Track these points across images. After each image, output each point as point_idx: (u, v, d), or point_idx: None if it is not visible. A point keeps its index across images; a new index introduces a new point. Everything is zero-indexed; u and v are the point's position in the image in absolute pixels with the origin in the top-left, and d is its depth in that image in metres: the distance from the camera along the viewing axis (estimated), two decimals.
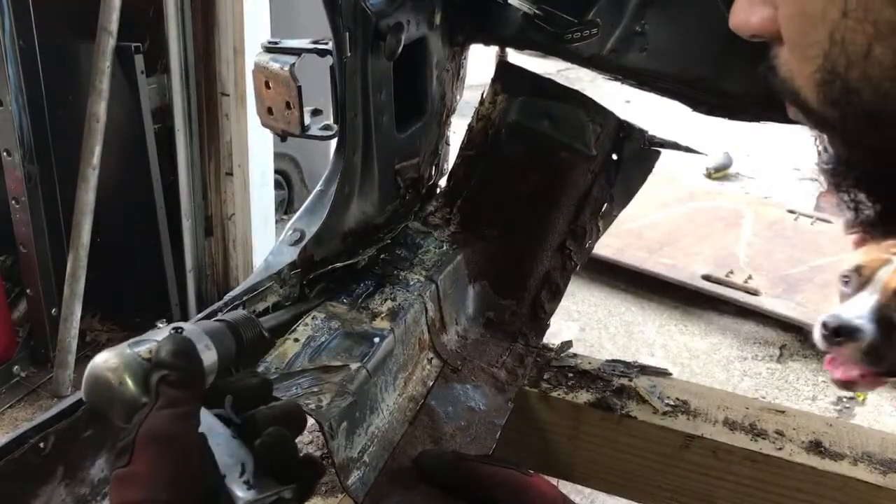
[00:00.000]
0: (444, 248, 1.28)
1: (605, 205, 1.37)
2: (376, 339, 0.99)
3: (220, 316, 0.73)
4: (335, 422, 0.85)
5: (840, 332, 1.18)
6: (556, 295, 1.37)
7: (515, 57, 1.43)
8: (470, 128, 1.37)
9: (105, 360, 0.65)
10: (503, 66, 1.36)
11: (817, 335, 1.22)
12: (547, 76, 1.38)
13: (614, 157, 1.35)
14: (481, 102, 1.36)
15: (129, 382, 0.64)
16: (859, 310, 1.20)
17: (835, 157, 0.54)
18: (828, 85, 0.47)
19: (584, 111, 1.32)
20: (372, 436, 0.94)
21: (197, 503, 0.62)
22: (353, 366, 0.93)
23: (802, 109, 0.51)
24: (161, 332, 0.67)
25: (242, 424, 0.65)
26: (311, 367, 0.92)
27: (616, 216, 1.40)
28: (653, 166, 1.37)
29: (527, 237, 1.35)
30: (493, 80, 1.35)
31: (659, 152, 1.36)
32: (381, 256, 1.20)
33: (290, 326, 0.99)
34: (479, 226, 1.34)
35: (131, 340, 0.66)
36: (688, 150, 1.38)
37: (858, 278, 1.25)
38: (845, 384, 1.24)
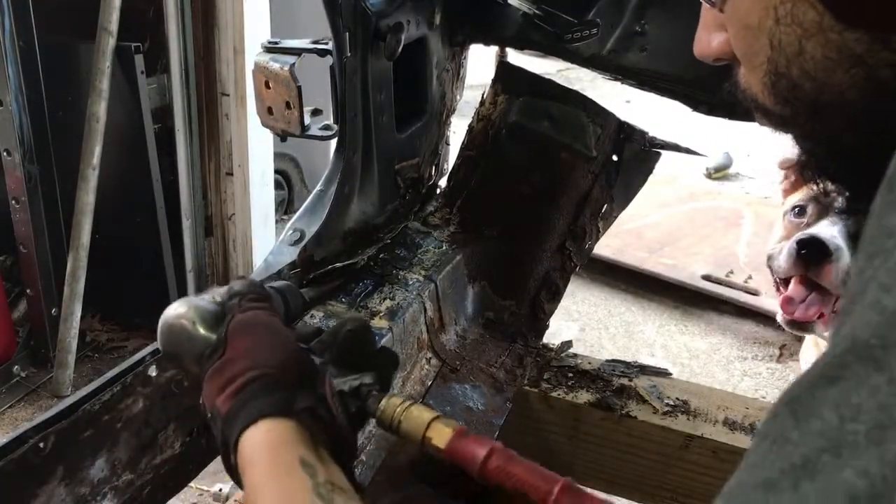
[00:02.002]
0: (444, 248, 1.28)
1: (605, 206, 1.37)
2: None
3: (266, 285, 0.79)
4: None
5: (823, 252, 1.09)
6: (556, 295, 1.37)
7: (515, 57, 1.43)
8: (470, 128, 1.37)
9: (176, 309, 0.74)
10: (503, 67, 1.36)
11: (785, 260, 1.13)
12: (547, 77, 1.38)
13: (615, 158, 1.35)
14: (482, 103, 1.36)
15: (201, 327, 0.72)
16: (834, 231, 1.12)
17: (801, 153, 0.62)
18: (775, 86, 0.54)
19: (585, 112, 1.32)
20: (369, 435, 0.94)
21: (294, 372, 0.67)
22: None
23: (763, 113, 0.59)
24: (217, 290, 0.76)
25: (311, 350, 0.72)
26: None
27: (616, 217, 1.41)
28: (653, 168, 1.38)
29: (526, 238, 1.35)
30: (494, 81, 1.35)
31: (659, 154, 1.36)
32: (381, 256, 1.20)
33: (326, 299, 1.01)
34: (478, 226, 1.34)
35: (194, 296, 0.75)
36: (688, 151, 1.38)
37: (817, 206, 1.18)
38: (801, 325, 1.16)
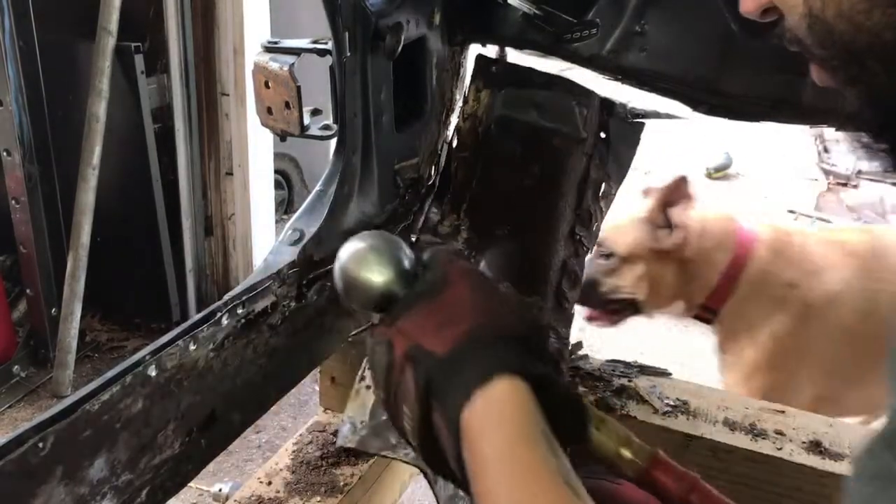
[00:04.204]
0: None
1: (604, 184, 1.36)
2: None
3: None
4: None
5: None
6: (576, 282, 1.34)
7: (515, 57, 1.42)
8: (458, 129, 1.35)
9: (381, 234, 0.74)
10: (482, 61, 1.34)
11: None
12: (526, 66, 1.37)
13: (602, 135, 1.34)
14: (465, 101, 1.34)
15: (405, 259, 0.71)
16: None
17: (851, 104, 0.59)
18: (814, 28, 0.54)
19: (569, 95, 1.31)
20: None
21: (523, 332, 0.63)
22: None
23: (809, 56, 0.57)
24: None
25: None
26: None
27: (615, 194, 1.39)
28: (639, 138, 1.36)
29: (537, 230, 1.33)
30: (473, 76, 1.34)
31: (643, 124, 1.35)
32: None
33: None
34: (490, 227, 1.32)
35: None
36: (668, 116, 1.37)
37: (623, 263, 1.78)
38: (590, 319, 1.87)
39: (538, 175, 1.33)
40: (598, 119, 1.32)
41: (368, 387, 0.97)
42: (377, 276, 0.70)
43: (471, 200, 1.34)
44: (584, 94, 1.31)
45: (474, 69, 1.34)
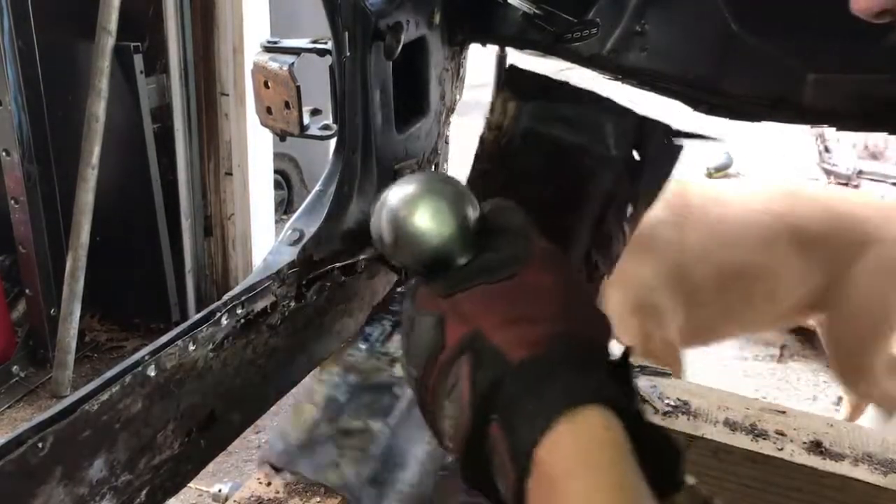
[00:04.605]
0: None
1: (630, 207, 1.28)
2: (397, 390, 0.94)
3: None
4: (362, 492, 0.84)
5: None
6: None
7: (515, 57, 1.42)
8: (482, 140, 1.28)
9: (448, 180, 0.63)
10: (510, 71, 1.28)
11: None
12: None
13: (636, 156, 1.26)
14: (491, 111, 1.27)
15: (471, 212, 0.59)
16: None
17: None
18: None
19: (601, 110, 1.25)
20: (401, 494, 0.90)
21: (606, 345, 0.52)
22: (375, 425, 0.90)
23: None
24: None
25: None
26: (332, 433, 0.89)
27: (641, 219, 1.29)
28: (676, 161, 1.28)
29: None
30: (501, 87, 1.27)
31: (681, 147, 1.26)
32: (399, 289, 1.16)
33: None
34: None
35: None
36: (709, 138, 1.31)
37: None
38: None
39: (557, 193, 1.25)
40: (632, 138, 1.25)
41: (315, 403, 0.95)
42: (436, 228, 0.57)
43: None
44: (619, 111, 1.24)
45: (505, 79, 1.27)
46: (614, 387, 0.48)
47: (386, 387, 0.96)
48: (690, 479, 0.52)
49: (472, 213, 0.59)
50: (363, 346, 1.04)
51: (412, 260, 0.60)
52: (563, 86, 1.26)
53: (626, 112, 1.25)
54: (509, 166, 1.28)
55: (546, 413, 0.45)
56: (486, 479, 0.49)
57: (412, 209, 0.59)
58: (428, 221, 0.58)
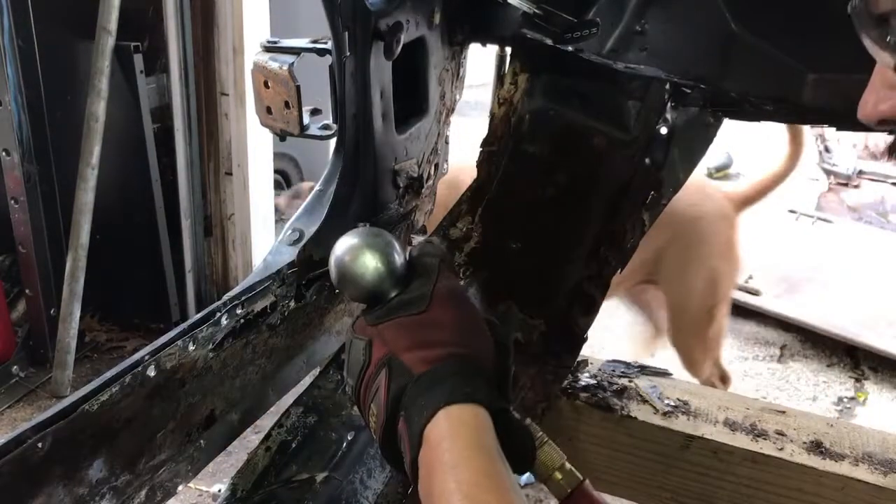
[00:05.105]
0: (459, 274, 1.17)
1: (652, 193, 1.14)
2: (349, 435, 0.96)
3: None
4: None
5: None
6: (591, 308, 1.18)
7: None
8: (491, 115, 1.20)
9: (380, 233, 0.80)
10: (521, 41, 1.17)
11: None
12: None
13: (663, 131, 1.11)
14: (501, 84, 1.20)
15: (397, 259, 0.77)
16: None
17: None
18: None
19: (620, 84, 1.12)
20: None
21: (490, 365, 0.69)
22: (319, 476, 0.90)
23: None
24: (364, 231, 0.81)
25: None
26: (276, 486, 0.89)
27: (666, 204, 1.16)
28: (712, 138, 1.13)
29: (554, 247, 1.19)
30: (512, 57, 1.18)
31: (721, 121, 1.11)
32: None
33: None
34: (501, 239, 1.20)
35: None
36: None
37: None
38: None
39: (566, 182, 1.16)
40: (657, 112, 1.10)
41: (269, 448, 0.96)
42: (368, 272, 0.76)
43: (488, 203, 1.22)
44: (641, 82, 1.10)
45: (513, 49, 1.19)
46: (487, 391, 0.65)
47: (338, 430, 0.98)
48: (568, 464, 0.75)
49: (398, 259, 0.78)
50: (334, 376, 1.05)
51: (355, 294, 0.79)
52: (577, 59, 1.14)
53: (651, 83, 1.11)
54: (516, 150, 1.20)
55: (432, 406, 0.63)
56: (397, 457, 0.68)
57: (352, 257, 0.78)
58: (362, 267, 0.77)
